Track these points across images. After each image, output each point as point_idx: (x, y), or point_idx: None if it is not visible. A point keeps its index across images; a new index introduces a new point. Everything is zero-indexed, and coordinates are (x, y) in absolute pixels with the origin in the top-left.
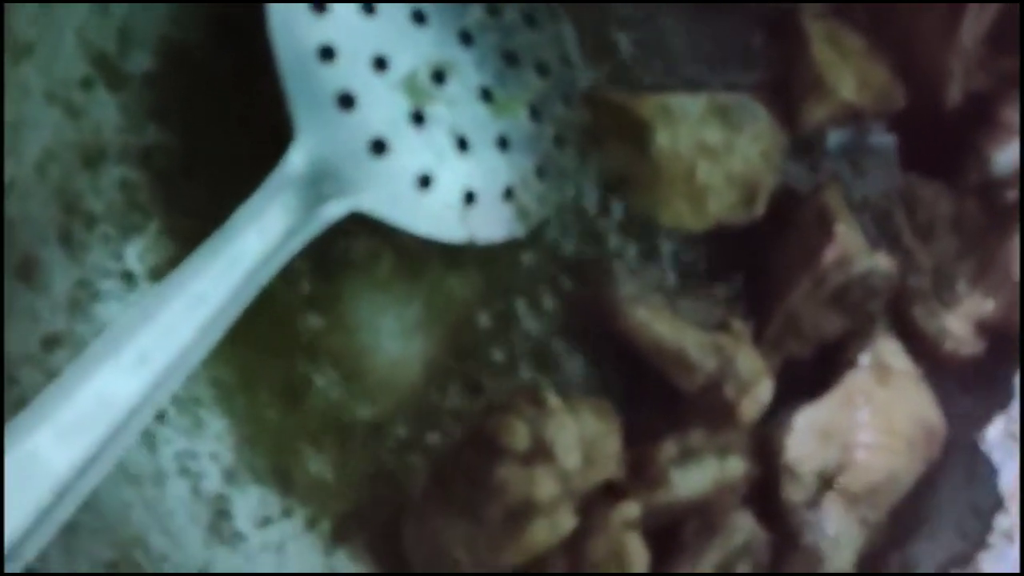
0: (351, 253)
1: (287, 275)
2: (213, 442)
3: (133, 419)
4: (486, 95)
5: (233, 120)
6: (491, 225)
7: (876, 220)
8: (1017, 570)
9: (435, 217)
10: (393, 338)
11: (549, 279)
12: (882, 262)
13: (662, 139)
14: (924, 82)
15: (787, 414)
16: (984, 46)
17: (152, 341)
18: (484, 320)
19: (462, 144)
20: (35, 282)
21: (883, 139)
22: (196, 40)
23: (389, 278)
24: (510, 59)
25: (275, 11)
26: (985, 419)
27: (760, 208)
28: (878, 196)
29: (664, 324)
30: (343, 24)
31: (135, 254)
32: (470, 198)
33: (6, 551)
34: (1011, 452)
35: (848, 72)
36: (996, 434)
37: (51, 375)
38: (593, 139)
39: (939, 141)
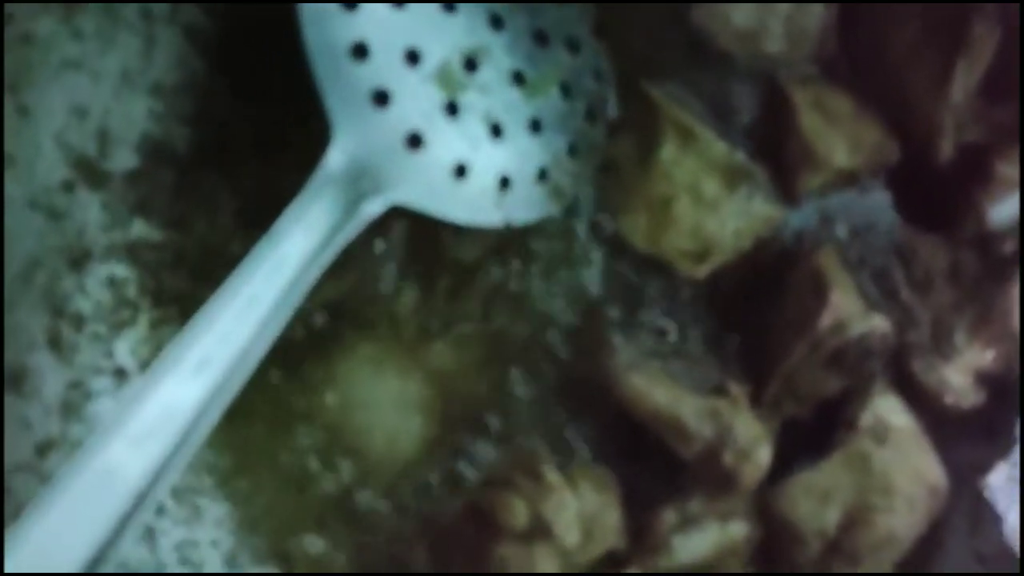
0: (345, 334)
1: (283, 357)
2: (213, 529)
3: (198, 423)
4: (518, 78)
5: (216, 209)
6: (526, 207)
7: (874, 277)
8: None
9: (472, 204)
10: (390, 415)
11: (546, 349)
12: (878, 324)
13: (666, 153)
14: (917, 137)
15: (789, 476)
16: (978, 98)
17: (211, 347)
18: (482, 391)
19: (496, 130)
20: (25, 390)
21: (880, 195)
22: (178, 135)
23: (383, 357)
24: (540, 39)
25: (307, 10)
26: (988, 467)
27: (702, 272)
28: (875, 253)
29: (661, 391)
30: (374, 19)
31: (126, 350)
32: (505, 183)
33: (93, 558)
34: (1015, 498)
35: (838, 138)
36: (999, 480)
37: (47, 481)
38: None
39: (935, 195)
